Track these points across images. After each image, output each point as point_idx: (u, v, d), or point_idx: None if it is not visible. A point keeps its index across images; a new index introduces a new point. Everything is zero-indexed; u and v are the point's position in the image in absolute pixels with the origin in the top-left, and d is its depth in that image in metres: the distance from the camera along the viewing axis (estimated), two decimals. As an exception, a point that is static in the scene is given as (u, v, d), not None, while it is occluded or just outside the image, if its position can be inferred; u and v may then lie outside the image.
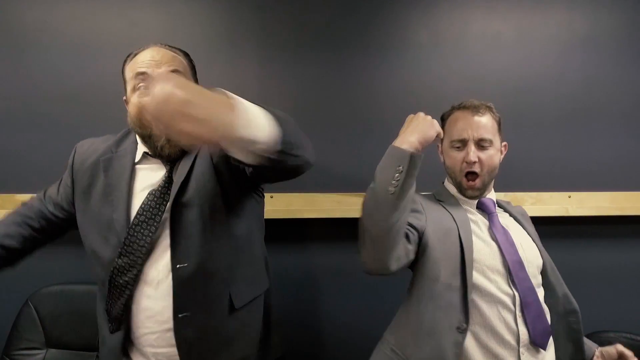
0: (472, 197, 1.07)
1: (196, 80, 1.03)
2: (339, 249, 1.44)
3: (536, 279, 0.99)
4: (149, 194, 0.91)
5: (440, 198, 1.11)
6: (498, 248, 0.98)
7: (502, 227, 1.03)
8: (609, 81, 1.47)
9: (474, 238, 0.99)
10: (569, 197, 1.46)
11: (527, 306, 0.93)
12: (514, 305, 0.93)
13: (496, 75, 1.45)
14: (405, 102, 1.45)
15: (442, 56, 1.45)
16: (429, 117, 0.95)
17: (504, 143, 1.09)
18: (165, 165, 0.95)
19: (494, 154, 1.04)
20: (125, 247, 0.88)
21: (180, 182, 0.90)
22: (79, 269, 1.39)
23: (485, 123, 1.03)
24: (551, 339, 0.97)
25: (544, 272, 1.02)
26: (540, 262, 1.02)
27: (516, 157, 1.41)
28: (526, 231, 1.07)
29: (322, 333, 1.47)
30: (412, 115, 0.97)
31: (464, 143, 1.04)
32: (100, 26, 1.38)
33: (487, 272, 0.96)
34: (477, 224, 1.04)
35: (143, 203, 0.90)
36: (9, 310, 1.32)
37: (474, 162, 1.02)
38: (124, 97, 0.99)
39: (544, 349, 0.93)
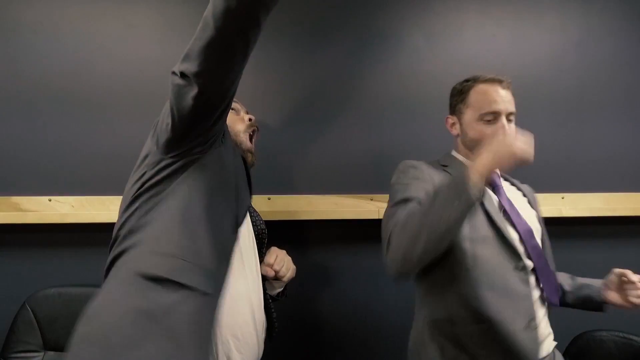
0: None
1: None
2: (337, 251, 1.45)
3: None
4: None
5: (446, 163, 1.11)
6: (508, 218, 1.01)
7: (508, 199, 1.04)
8: (602, 84, 1.50)
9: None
10: (562, 198, 1.48)
11: (540, 270, 0.99)
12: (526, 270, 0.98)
13: (491, 78, 1.47)
14: (402, 104, 1.46)
15: (437, 58, 1.47)
16: (524, 143, 0.85)
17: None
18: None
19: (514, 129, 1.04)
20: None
21: None
22: (76, 272, 1.39)
23: (511, 97, 1.04)
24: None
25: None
26: (539, 233, 1.06)
27: (511, 158, 1.43)
28: (532, 207, 1.10)
29: (321, 334, 1.48)
30: (506, 133, 0.93)
31: (495, 116, 1.01)
32: (97, 28, 1.38)
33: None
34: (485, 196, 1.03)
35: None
36: (6, 313, 1.31)
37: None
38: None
39: (557, 305, 1.02)
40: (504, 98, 1.02)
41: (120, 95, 1.38)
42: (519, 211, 1.03)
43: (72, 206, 1.35)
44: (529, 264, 0.99)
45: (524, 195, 1.13)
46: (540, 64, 1.48)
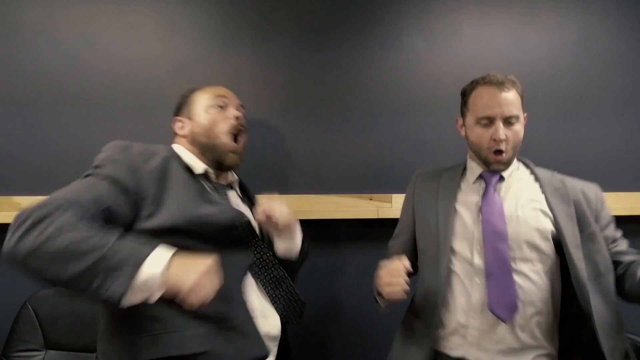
0: (497, 171, 1.08)
1: None
2: (334, 250, 1.46)
3: (522, 252, 1.00)
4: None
5: (449, 171, 1.17)
6: (481, 219, 1.03)
7: (495, 198, 1.04)
8: (599, 84, 1.50)
9: (459, 209, 1.07)
10: (561, 197, 1.49)
11: (490, 275, 0.98)
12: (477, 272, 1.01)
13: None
14: (401, 104, 1.47)
15: (436, 59, 1.47)
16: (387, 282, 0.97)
17: (525, 114, 1.08)
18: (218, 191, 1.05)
19: (520, 129, 1.05)
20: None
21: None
22: (77, 271, 1.40)
23: (512, 99, 1.02)
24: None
25: (563, 245, 0.99)
26: (531, 237, 1.01)
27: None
28: (548, 204, 1.04)
29: (319, 335, 1.49)
30: None
31: (490, 120, 1.03)
32: (98, 29, 1.39)
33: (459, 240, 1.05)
34: (471, 195, 1.09)
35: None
36: (8, 312, 1.32)
37: (502, 140, 1.02)
38: (177, 118, 1.10)
39: (504, 320, 0.96)
40: (500, 102, 1.01)
41: (121, 95, 1.39)
42: (505, 211, 1.03)
43: (73, 206, 1.36)
44: (478, 264, 1.00)
45: (543, 192, 1.07)
46: (538, 64, 1.48)
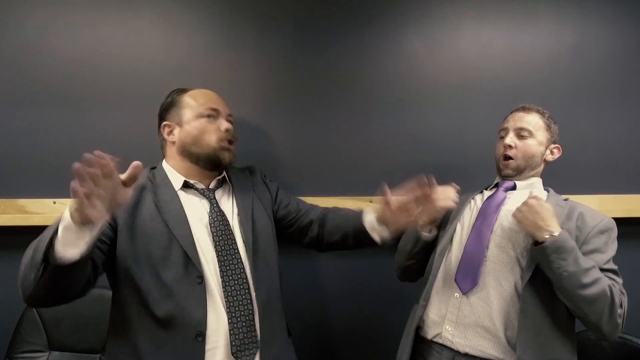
0: (506, 176, 1.17)
1: None
2: (337, 253, 1.47)
3: (500, 241, 1.07)
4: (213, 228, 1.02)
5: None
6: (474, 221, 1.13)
7: (500, 194, 1.14)
8: (596, 88, 1.52)
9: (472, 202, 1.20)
10: (558, 200, 1.51)
11: (465, 254, 1.09)
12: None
13: (487, 81, 1.50)
14: (401, 107, 1.48)
15: (436, 62, 1.49)
16: None
17: (556, 145, 1.20)
18: (206, 196, 1.06)
19: (532, 145, 1.15)
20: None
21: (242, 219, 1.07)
22: (80, 273, 1.41)
23: (528, 118, 1.16)
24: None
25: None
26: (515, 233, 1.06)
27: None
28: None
29: (319, 335, 1.50)
30: None
31: (506, 132, 1.18)
32: (102, 31, 1.40)
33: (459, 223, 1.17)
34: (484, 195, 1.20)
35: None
36: (12, 314, 1.34)
37: (510, 146, 1.14)
38: (165, 123, 1.10)
39: (461, 289, 1.06)
40: (516, 117, 1.18)
41: (125, 98, 1.41)
42: (504, 206, 1.12)
43: (77, 209, 1.37)
44: (462, 242, 1.12)
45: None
46: (535, 67, 1.50)
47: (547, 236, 0.96)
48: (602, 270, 1.00)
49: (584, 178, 1.53)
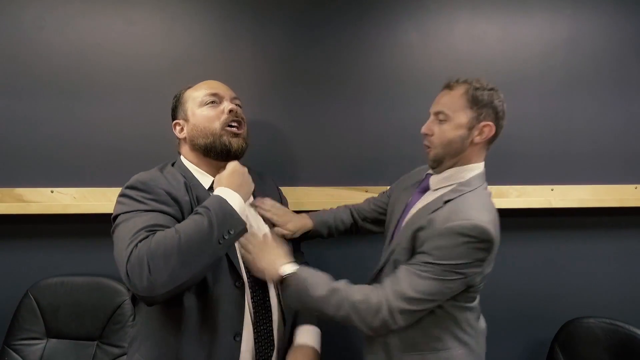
0: (431, 167, 1.07)
1: None
2: (332, 242, 1.48)
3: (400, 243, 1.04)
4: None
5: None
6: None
7: (416, 197, 1.09)
8: (590, 80, 1.53)
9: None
10: (552, 189, 1.52)
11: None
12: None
13: (481, 72, 1.49)
14: (396, 98, 1.49)
15: (430, 54, 1.50)
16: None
17: (486, 123, 0.98)
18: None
19: (447, 130, 0.99)
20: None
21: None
22: (78, 261, 1.42)
23: (445, 99, 1.01)
24: None
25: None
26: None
27: (501, 152, 1.46)
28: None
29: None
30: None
31: (430, 116, 1.06)
32: (99, 21, 1.40)
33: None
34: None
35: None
36: (10, 302, 1.35)
37: (425, 134, 1.04)
38: (176, 122, 1.11)
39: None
40: (437, 98, 1.06)
41: (122, 88, 1.41)
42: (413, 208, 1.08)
43: (74, 197, 1.38)
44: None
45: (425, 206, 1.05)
46: (529, 60, 1.51)
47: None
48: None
49: (578, 168, 1.54)
